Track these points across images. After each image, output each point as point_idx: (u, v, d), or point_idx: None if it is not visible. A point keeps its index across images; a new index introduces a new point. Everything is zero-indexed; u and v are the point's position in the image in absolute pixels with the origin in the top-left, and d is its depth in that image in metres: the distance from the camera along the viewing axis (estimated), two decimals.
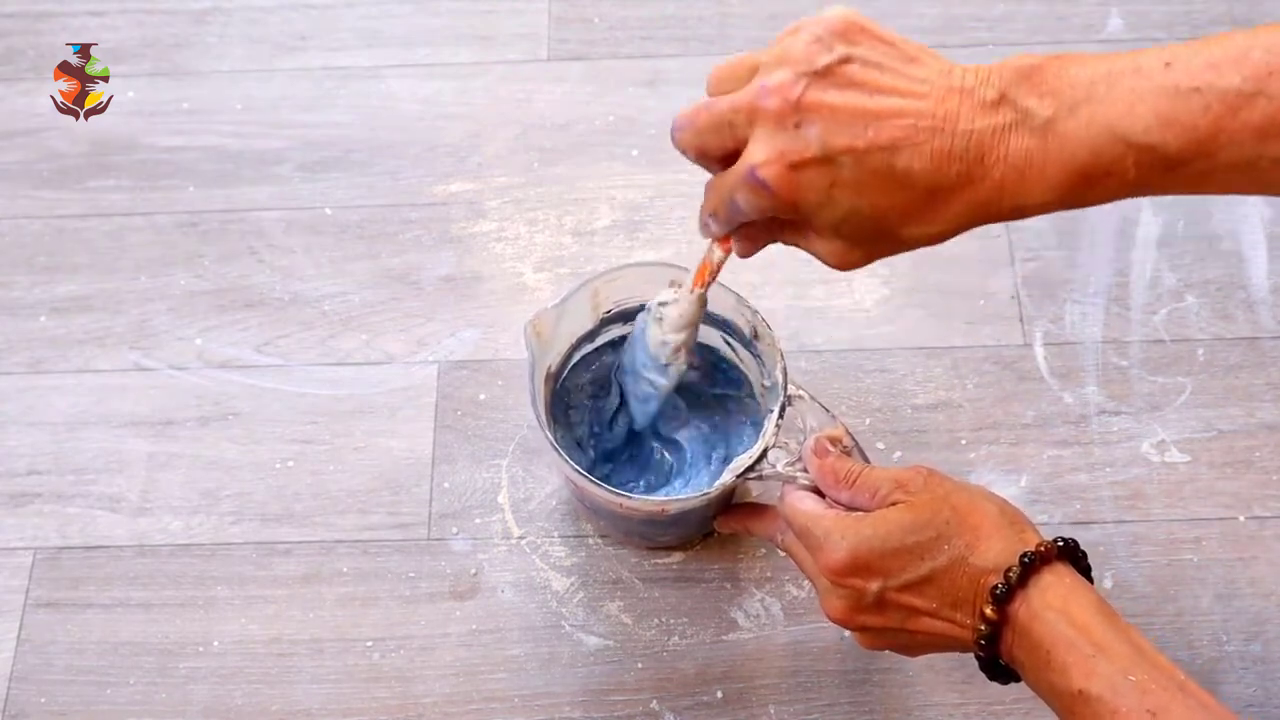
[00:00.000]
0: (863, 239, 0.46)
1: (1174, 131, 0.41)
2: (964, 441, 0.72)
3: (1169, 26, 0.85)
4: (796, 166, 0.44)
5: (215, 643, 0.69)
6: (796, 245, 0.49)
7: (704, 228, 0.52)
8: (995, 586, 0.48)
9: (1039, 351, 0.75)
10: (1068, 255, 0.78)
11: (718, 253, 0.54)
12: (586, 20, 0.88)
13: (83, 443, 0.75)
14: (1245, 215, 0.79)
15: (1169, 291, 0.76)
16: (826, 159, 0.43)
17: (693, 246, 0.79)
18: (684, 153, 0.49)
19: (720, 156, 0.47)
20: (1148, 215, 0.79)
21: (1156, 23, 0.85)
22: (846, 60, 0.44)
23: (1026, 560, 0.48)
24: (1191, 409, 0.73)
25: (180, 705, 0.67)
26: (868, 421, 0.73)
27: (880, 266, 0.77)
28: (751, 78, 0.45)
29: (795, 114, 0.44)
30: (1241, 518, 0.70)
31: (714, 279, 0.56)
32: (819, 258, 0.48)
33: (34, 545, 0.72)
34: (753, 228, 0.50)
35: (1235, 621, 0.67)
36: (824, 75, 0.44)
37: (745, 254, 0.52)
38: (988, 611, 0.48)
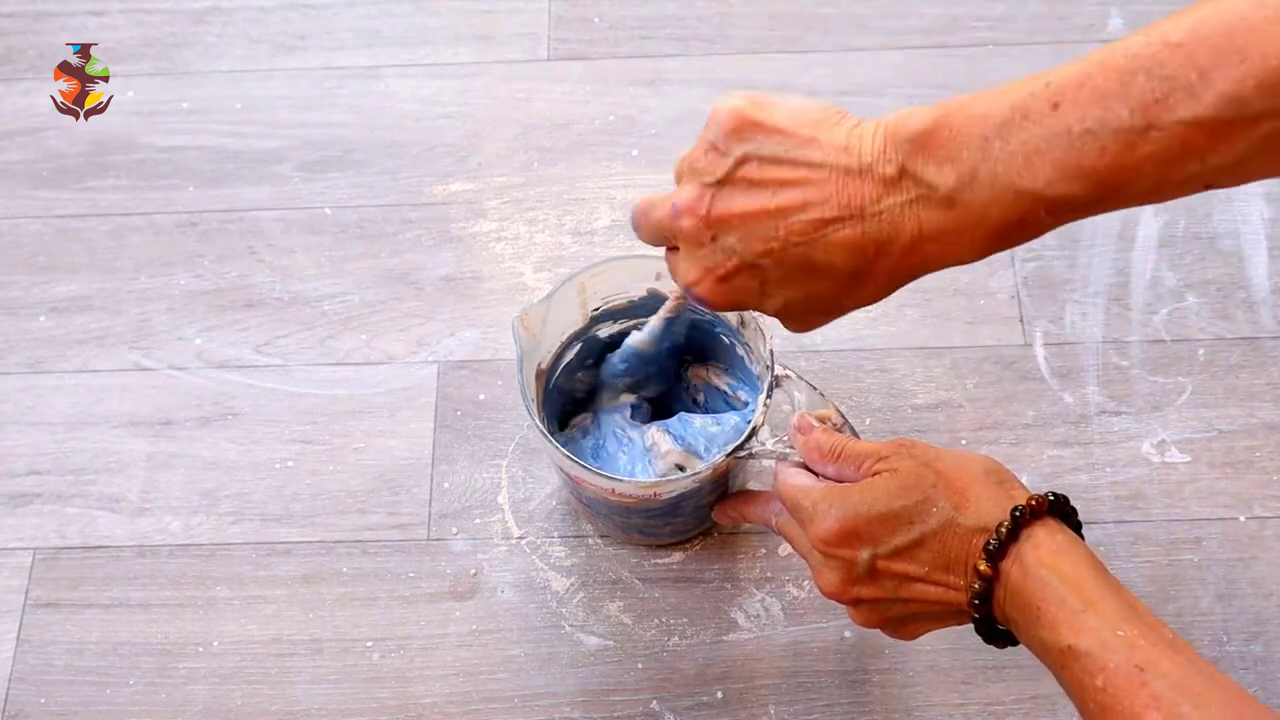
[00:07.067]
0: (805, 317, 0.48)
1: (1076, 181, 0.41)
2: (964, 441, 0.72)
3: None
4: (725, 278, 0.46)
5: (215, 643, 0.69)
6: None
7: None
8: (988, 543, 0.48)
9: (1039, 351, 0.75)
10: (1068, 255, 0.78)
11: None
12: (586, 20, 0.88)
13: (82, 443, 0.75)
14: (1245, 215, 0.79)
15: (1169, 291, 0.76)
16: (749, 265, 0.45)
17: None
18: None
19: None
20: (1148, 215, 0.79)
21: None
22: (744, 161, 0.45)
23: (1018, 514, 0.48)
24: (1192, 409, 0.73)
25: (180, 705, 0.67)
26: (868, 421, 0.73)
27: None
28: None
29: (709, 229, 0.46)
30: (1242, 518, 0.70)
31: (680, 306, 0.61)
32: None
33: (33, 545, 0.72)
34: None
35: (1236, 621, 0.67)
36: (725, 183, 0.45)
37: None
38: (981, 568, 0.48)
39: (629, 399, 0.70)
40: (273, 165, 0.83)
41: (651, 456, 0.65)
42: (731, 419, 0.64)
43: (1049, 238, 0.78)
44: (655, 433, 0.65)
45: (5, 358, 0.78)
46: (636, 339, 0.64)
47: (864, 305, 0.47)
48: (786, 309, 0.48)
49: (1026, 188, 0.41)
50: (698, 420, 0.65)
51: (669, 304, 0.61)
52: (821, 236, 0.44)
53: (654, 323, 0.62)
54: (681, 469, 0.63)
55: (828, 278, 0.45)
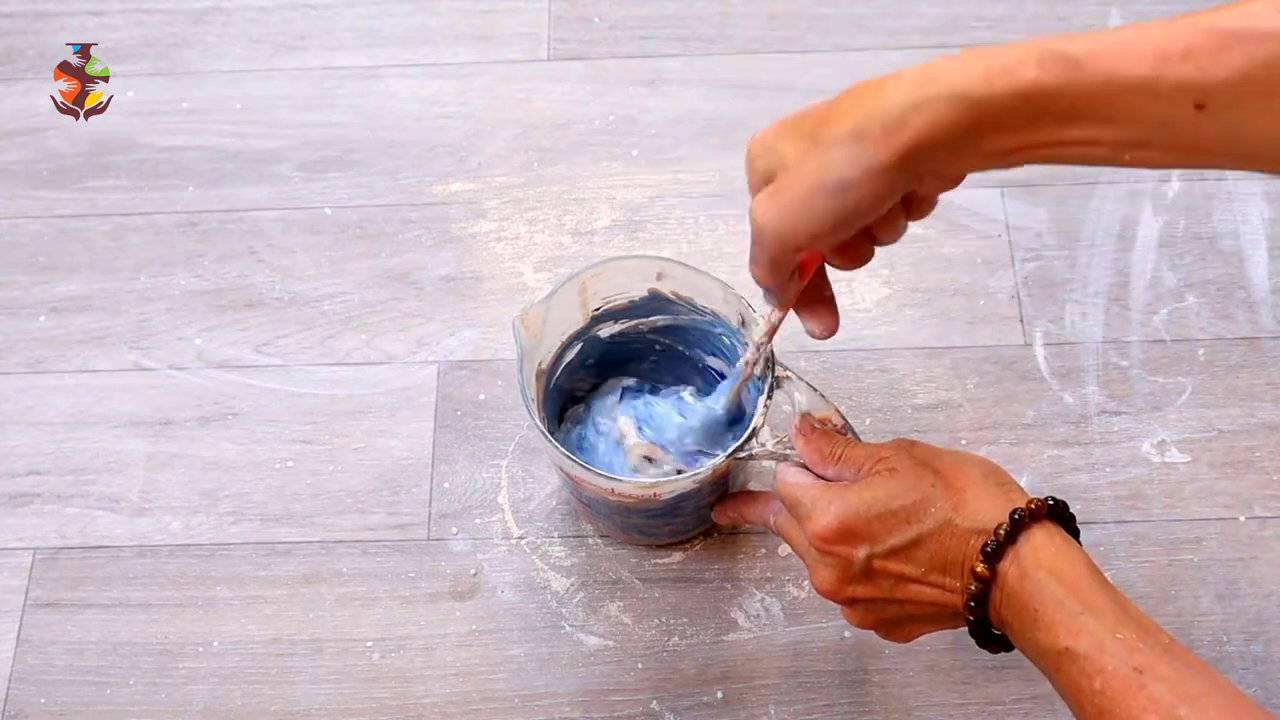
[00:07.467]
0: (784, 200, 0.46)
1: (1079, 41, 0.41)
2: (964, 441, 0.72)
3: None
4: (764, 138, 0.47)
5: (215, 643, 0.69)
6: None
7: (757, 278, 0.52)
8: (985, 544, 0.48)
9: (1039, 351, 0.75)
10: (1068, 255, 0.78)
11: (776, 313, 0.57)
12: (586, 20, 0.88)
13: (82, 443, 0.75)
14: (1245, 215, 0.79)
15: (1169, 291, 0.76)
16: (773, 142, 0.46)
17: (692, 246, 0.79)
18: None
19: None
20: (1148, 215, 0.79)
21: None
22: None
23: (1016, 517, 0.48)
24: (1192, 409, 0.73)
25: (180, 705, 0.67)
26: (868, 421, 0.73)
27: (880, 266, 0.77)
28: None
29: (772, 128, 0.47)
30: (1242, 518, 0.70)
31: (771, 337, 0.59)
32: (759, 228, 0.48)
33: (33, 545, 0.72)
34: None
35: (1236, 621, 0.67)
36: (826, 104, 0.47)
37: (844, 266, 0.52)
38: (979, 569, 0.48)
39: (628, 381, 0.70)
40: (273, 165, 0.83)
41: (622, 448, 0.65)
42: (700, 410, 0.63)
43: (1049, 237, 0.78)
44: (623, 422, 0.65)
45: (5, 358, 0.78)
46: (714, 397, 0.64)
47: (834, 160, 0.44)
48: (778, 189, 0.46)
49: (992, 52, 0.41)
50: (660, 406, 0.65)
51: (742, 365, 0.60)
52: (832, 123, 0.44)
53: (722, 389, 0.62)
54: (650, 460, 0.63)
55: (810, 141, 0.45)
